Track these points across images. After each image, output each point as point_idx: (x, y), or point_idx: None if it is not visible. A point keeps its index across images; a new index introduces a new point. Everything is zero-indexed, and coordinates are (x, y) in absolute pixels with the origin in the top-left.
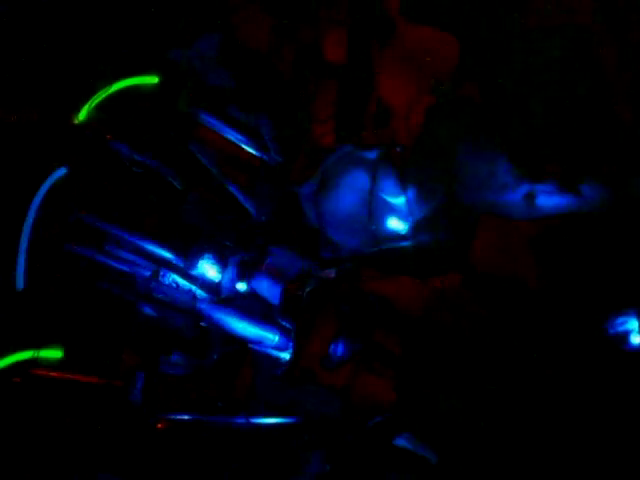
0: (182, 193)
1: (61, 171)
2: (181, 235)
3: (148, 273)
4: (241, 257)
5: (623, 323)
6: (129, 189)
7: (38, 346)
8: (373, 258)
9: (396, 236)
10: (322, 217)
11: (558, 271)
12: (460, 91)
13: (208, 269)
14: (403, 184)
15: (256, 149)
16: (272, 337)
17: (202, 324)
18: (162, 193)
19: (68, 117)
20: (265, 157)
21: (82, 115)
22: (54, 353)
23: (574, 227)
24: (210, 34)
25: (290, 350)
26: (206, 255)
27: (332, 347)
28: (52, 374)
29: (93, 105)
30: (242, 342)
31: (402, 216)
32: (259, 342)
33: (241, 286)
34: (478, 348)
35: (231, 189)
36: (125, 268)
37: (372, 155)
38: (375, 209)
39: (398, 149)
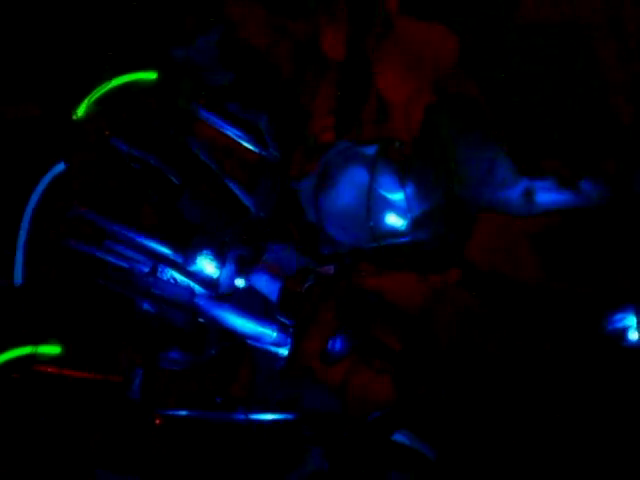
0: (181, 189)
1: (59, 167)
2: (179, 231)
3: (146, 269)
4: (239, 253)
5: (621, 319)
6: (128, 185)
7: (36, 342)
8: (372, 254)
9: (395, 232)
10: (321, 213)
11: (556, 267)
12: (459, 87)
13: (206, 265)
14: (402, 180)
15: (255, 145)
16: (270, 333)
17: (200, 320)
18: (161, 189)
19: (67, 113)
20: (264, 153)
21: (81, 111)
22: (52, 349)
23: (573, 223)
24: (209, 31)
25: (288, 346)
26: (204, 251)
27: (330, 343)
28: (50, 370)
29: (92, 101)
30: (240, 338)
31: (401, 212)
32: (257, 338)
33: (239, 282)
34: (477, 345)
35: (230, 185)
36: (123, 264)
37: (371, 151)
38: (373, 205)
39: (397, 145)
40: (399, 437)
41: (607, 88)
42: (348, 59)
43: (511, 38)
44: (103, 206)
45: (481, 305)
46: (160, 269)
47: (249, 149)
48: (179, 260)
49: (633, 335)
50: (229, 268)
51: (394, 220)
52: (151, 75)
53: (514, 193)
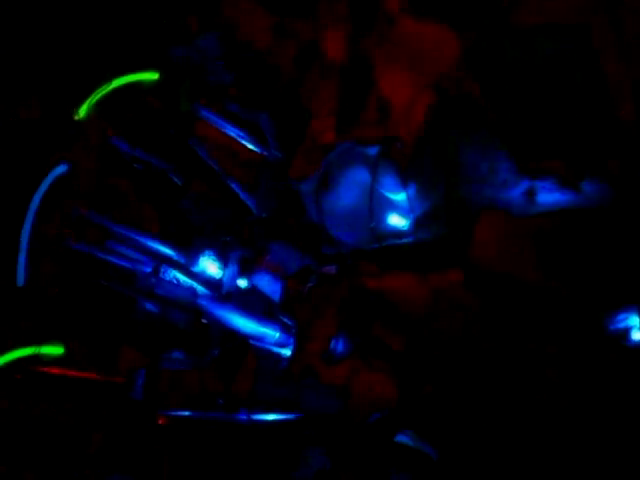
0: (183, 189)
1: (62, 167)
2: (182, 231)
3: (149, 269)
4: (242, 253)
5: (624, 319)
6: (130, 185)
7: (39, 342)
8: (373, 254)
9: (396, 232)
10: (323, 213)
11: (559, 268)
12: (460, 87)
13: (209, 265)
14: (404, 180)
15: (256, 145)
16: (273, 333)
17: (203, 320)
18: (163, 189)
19: (69, 114)
20: (266, 153)
21: (83, 112)
22: (55, 349)
23: (574, 223)
24: (211, 31)
25: (291, 346)
26: (207, 251)
27: (332, 343)
28: (53, 371)
29: (94, 102)
30: (243, 338)
31: (402, 212)
32: (260, 338)
33: (242, 282)
34: (479, 345)
35: (232, 185)
36: (126, 264)
37: (373, 151)
38: (376, 205)
39: (398, 145)
40: (401, 437)
41: (609, 89)
42: (349, 59)
43: (512, 39)
44: (105, 207)
45: (483, 305)
46: (162, 270)
47: (250, 149)
48: (181, 261)
49: (636, 335)
50: (231, 269)
51: (396, 220)
52: (152, 76)
53: (516, 193)
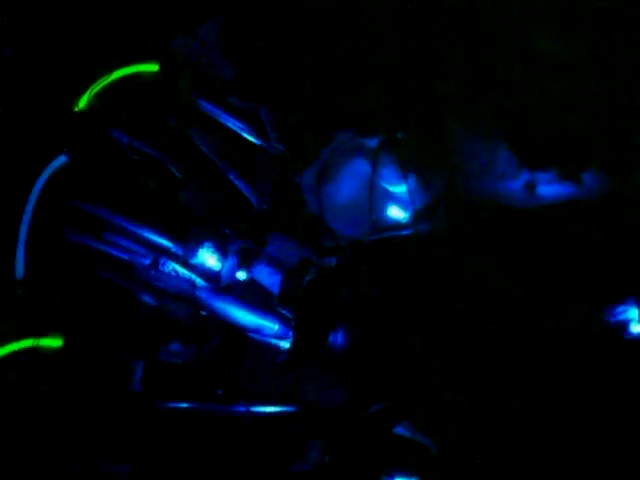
0: (182, 181)
1: (61, 159)
2: (181, 223)
3: (147, 261)
4: (241, 246)
5: (623, 312)
6: (129, 177)
7: (38, 335)
8: (373, 247)
9: (397, 225)
10: (323, 205)
11: (558, 260)
12: (460, 80)
13: (208, 257)
14: (404, 172)
15: (257, 137)
16: (272, 326)
17: (202, 313)
18: (162, 181)
19: (68, 105)
20: (266, 145)
21: (82, 103)
22: (54, 342)
23: (575, 216)
24: (211, 21)
25: (290, 339)
26: (206, 243)
27: (332, 336)
28: (52, 363)
29: (93, 93)
30: (241, 331)
31: (403, 205)
32: (259, 331)
33: (241, 275)
34: (479, 340)
35: (231, 177)
36: (124, 256)
37: (373, 143)
38: (375, 198)
39: (399, 137)
40: (400, 429)
41: (609, 80)
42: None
43: (511, 33)
44: (104, 198)
45: (486, 297)
46: (161, 262)
47: (251, 141)
48: (180, 253)
49: (635, 328)
50: (230, 261)
51: (396, 213)
52: (152, 67)
53: (516, 185)
